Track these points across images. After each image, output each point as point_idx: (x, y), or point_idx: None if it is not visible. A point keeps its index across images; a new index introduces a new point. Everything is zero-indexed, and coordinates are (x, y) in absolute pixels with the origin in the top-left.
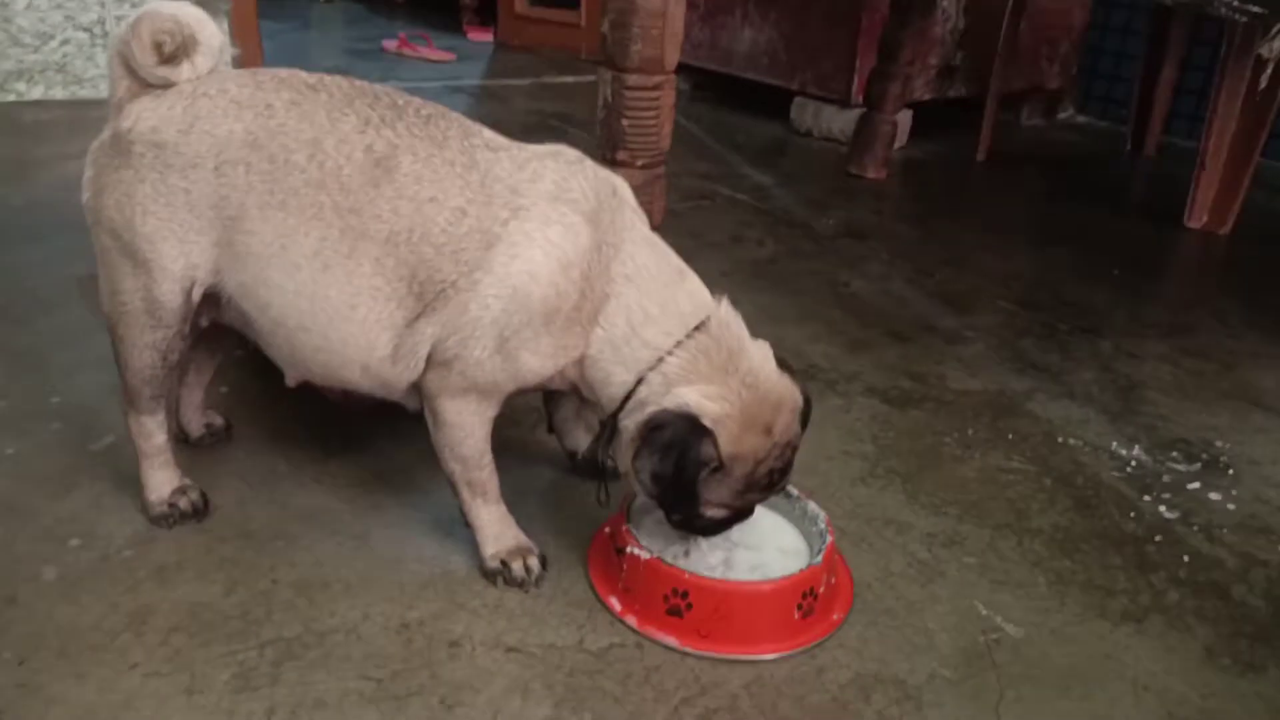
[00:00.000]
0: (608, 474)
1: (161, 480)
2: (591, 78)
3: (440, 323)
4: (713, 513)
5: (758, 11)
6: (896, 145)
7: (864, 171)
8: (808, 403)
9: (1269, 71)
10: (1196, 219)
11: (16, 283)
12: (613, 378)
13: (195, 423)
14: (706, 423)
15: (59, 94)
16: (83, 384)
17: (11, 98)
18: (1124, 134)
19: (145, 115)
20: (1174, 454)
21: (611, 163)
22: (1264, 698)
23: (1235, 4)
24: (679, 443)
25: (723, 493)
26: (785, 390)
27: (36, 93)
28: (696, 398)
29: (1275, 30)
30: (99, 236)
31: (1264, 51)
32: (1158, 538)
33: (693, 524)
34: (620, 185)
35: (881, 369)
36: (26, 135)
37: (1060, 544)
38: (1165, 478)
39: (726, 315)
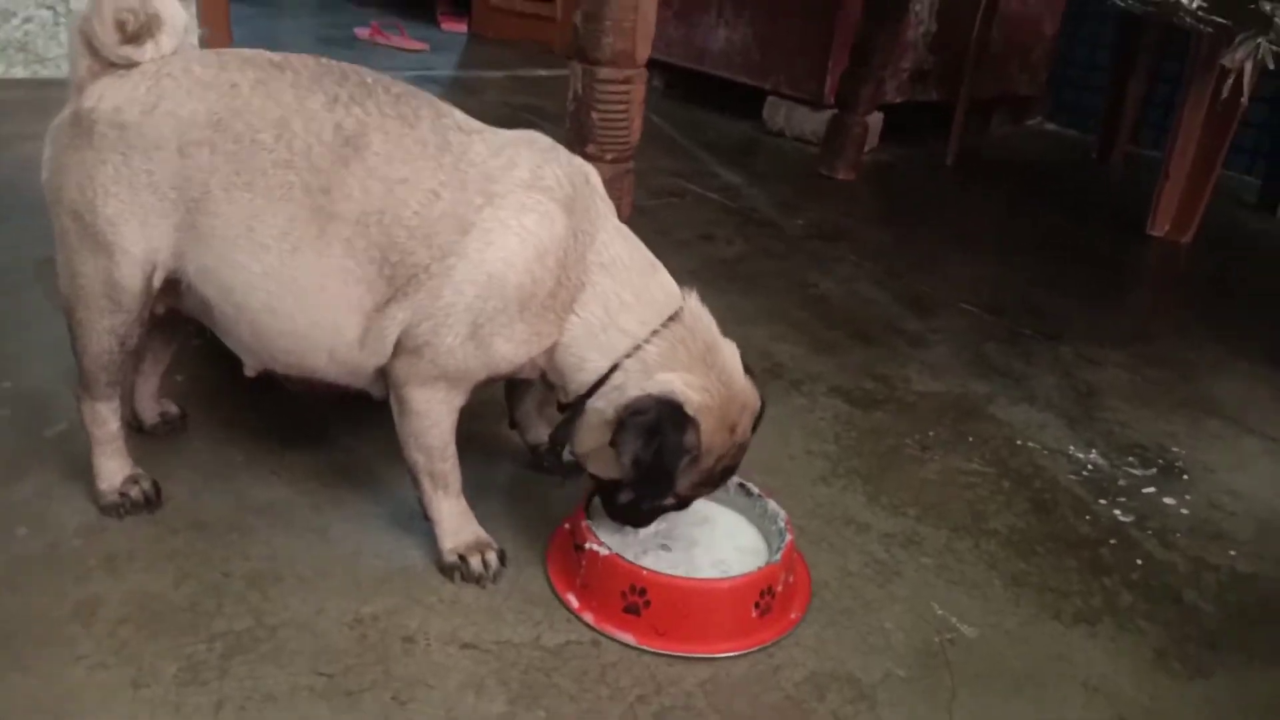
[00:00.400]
0: (562, 470)
1: (114, 469)
2: (565, 71)
3: (411, 308)
4: (664, 501)
5: (732, 10)
6: (867, 147)
7: (834, 173)
8: (763, 406)
9: (1230, 82)
10: (1159, 228)
11: None
12: (586, 364)
13: (150, 411)
14: (690, 411)
15: (20, 73)
16: (36, 369)
17: None
18: (1092, 143)
19: (108, 95)
20: (1130, 459)
21: (580, 156)
22: (1211, 702)
23: (1200, 14)
24: (663, 428)
25: (684, 482)
26: (750, 393)
27: None
28: (681, 385)
29: (1238, 41)
30: (58, 217)
31: (1227, 62)
32: (1112, 541)
33: (636, 511)
34: (592, 173)
35: (846, 370)
36: None
37: (1016, 546)
38: (1121, 482)
39: (697, 308)
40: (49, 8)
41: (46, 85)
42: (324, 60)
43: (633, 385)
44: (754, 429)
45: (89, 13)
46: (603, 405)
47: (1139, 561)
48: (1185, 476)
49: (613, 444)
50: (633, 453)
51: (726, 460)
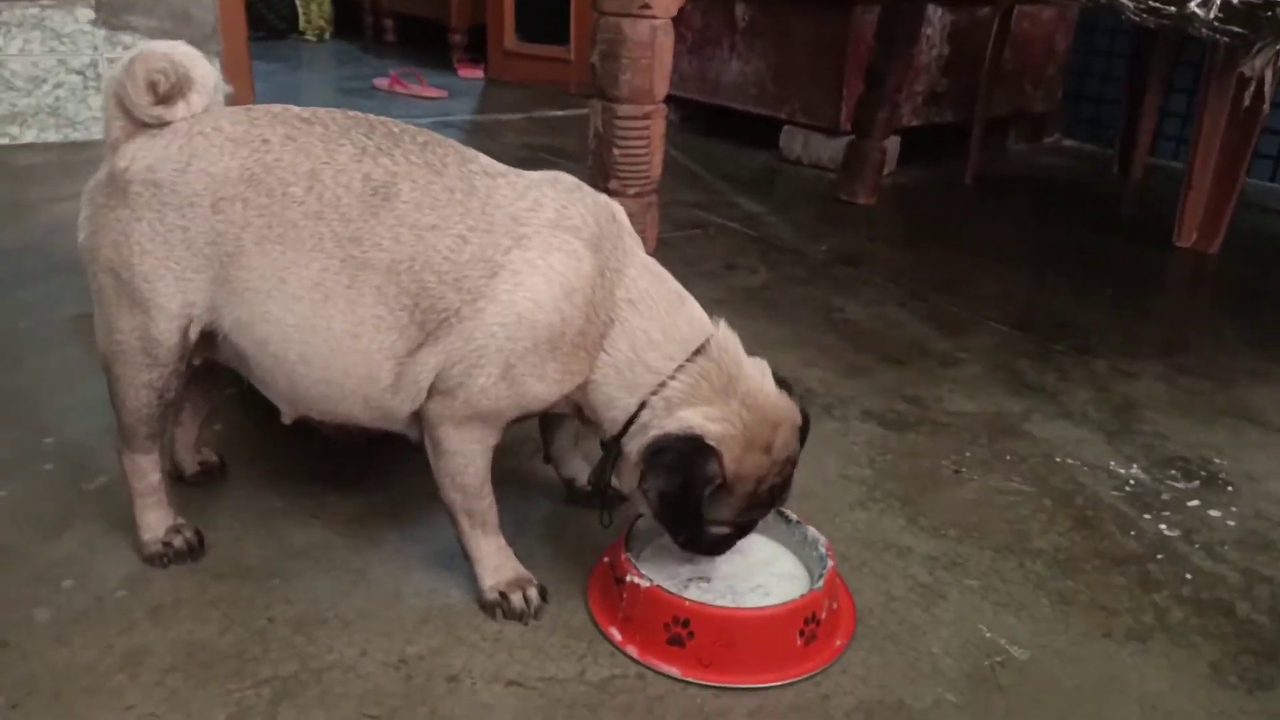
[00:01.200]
0: (610, 498)
1: (156, 519)
2: (581, 111)
3: (444, 352)
4: (716, 530)
5: (744, 43)
6: (886, 171)
7: (854, 198)
8: (806, 419)
9: (1251, 90)
10: (1185, 238)
11: (9, 325)
12: (615, 402)
13: (189, 461)
14: (710, 442)
15: (52, 137)
16: (76, 425)
17: (4, 141)
18: (1111, 157)
19: (141, 155)
20: (1172, 472)
21: (604, 192)
22: (1273, 715)
23: (1216, 25)
24: (684, 463)
25: (725, 511)
26: (783, 408)
27: (29, 136)
28: (700, 419)
29: (1256, 49)
30: (95, 276)
31: (1246, 70)
32: (1159, 556)
33: (698, 543)
34: (618, 210)
35: (877, 393)
36: (19, 178)
37: (1062, 564)
38: (1164, 495)
39: (725, 338)
40: (79, 73)
41: (77, 148)
42: (351, 113)
43: (655, 424)
44: (803, 441)
45: (121, 75)
46: (633, 446)
47: (1188, 576)
48: (1229, 488)
49: (640, 483)
50: (658, 490)
51: (772, 479)
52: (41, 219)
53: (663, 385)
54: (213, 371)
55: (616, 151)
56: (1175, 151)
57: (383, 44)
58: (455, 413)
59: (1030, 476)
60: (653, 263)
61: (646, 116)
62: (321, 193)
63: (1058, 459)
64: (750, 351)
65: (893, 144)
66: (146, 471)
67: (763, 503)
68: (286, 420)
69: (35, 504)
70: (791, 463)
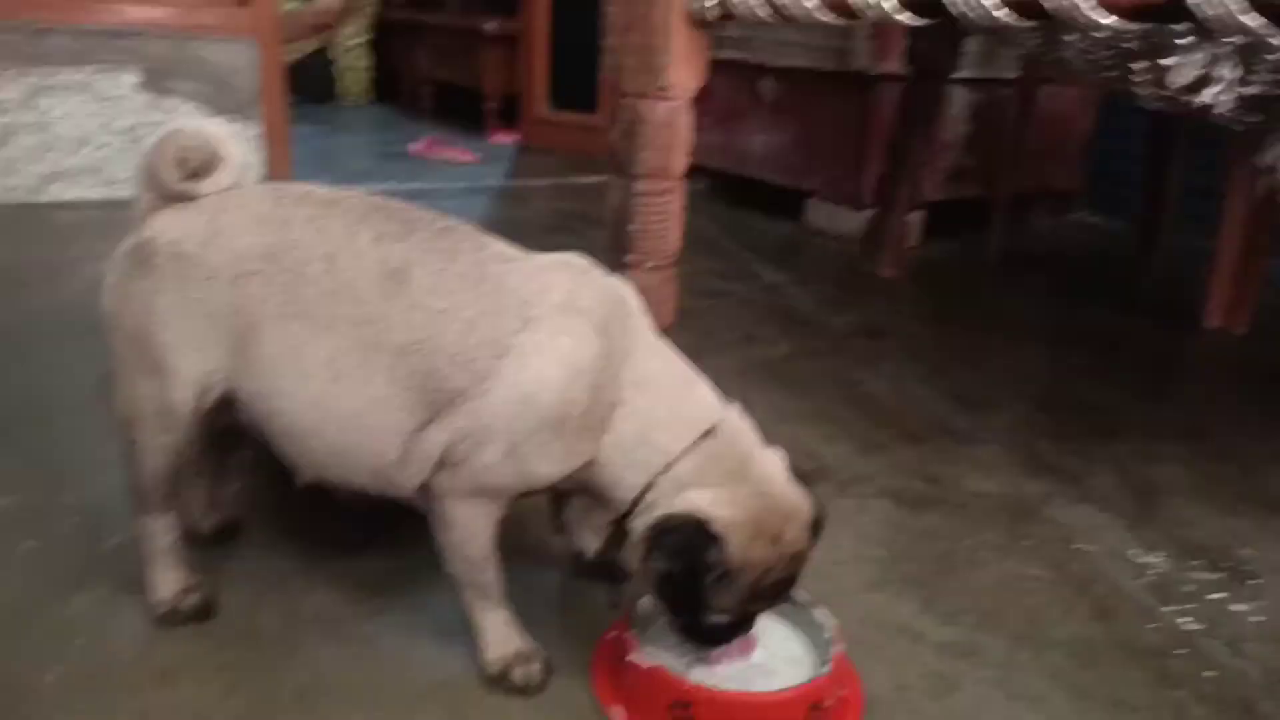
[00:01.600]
0: (618, 576)
1: (168, 580)
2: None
3: (450, 429)
4: (716, 619)
5: (769, 116)
6: (909, 244)
7: (877, 271)
8: (820, 515)
9: (1268, 180)
10: (1211, 319)
11: (38, 383)
12: (622, 481)
13: (204, 521)
14: (716, 528)
15: (94, 194)
16: (97, 484)
17: (46, 199)
18: (1133, 234)
19: (168, 228)
20: (1195, 561)
21: (621, 265)
22: None
23: (1231, 114)
24: (687, 547)
25: (727, 600)
26: (796, 501)
27: (71, 194)
28: (707, 503)
29: (1272, 140)
30: (116, 341)
31: (1264, 160)
32: (1180, 650)
33: (696, 629)
34: (628, 293)
35: (895, 470)
36: (59, 237)
37: (1079, 656)
38: (1187, 587)
39: (737, 421)
40: (121, 134)
41: (118, 205)
42: (374, 198)
43: (662, 504)
44: (817, 537)
45: (152, 151)
46: (638, 524)
47: (1209, 673)
48: (1255, 580)
49: (642, 563)
50: (658, 572)
51: (778, 572)
52: (77, 279)
53: (670, 465)
54: (230, 433)
55: (634, 226)
56: (1199, 229)
57: (419, 109)
58: (460, 486)
59: (1049, 562)
60: (662, 345)
61: (665, 192)
62: (338, 274)
63: (1077, 545)
64: (768, 425)
65: (916, 218)
66: (160, 533)
67: (766, 595)
68: (301, 484)
69: (53, 562)
70: (800, 559)
